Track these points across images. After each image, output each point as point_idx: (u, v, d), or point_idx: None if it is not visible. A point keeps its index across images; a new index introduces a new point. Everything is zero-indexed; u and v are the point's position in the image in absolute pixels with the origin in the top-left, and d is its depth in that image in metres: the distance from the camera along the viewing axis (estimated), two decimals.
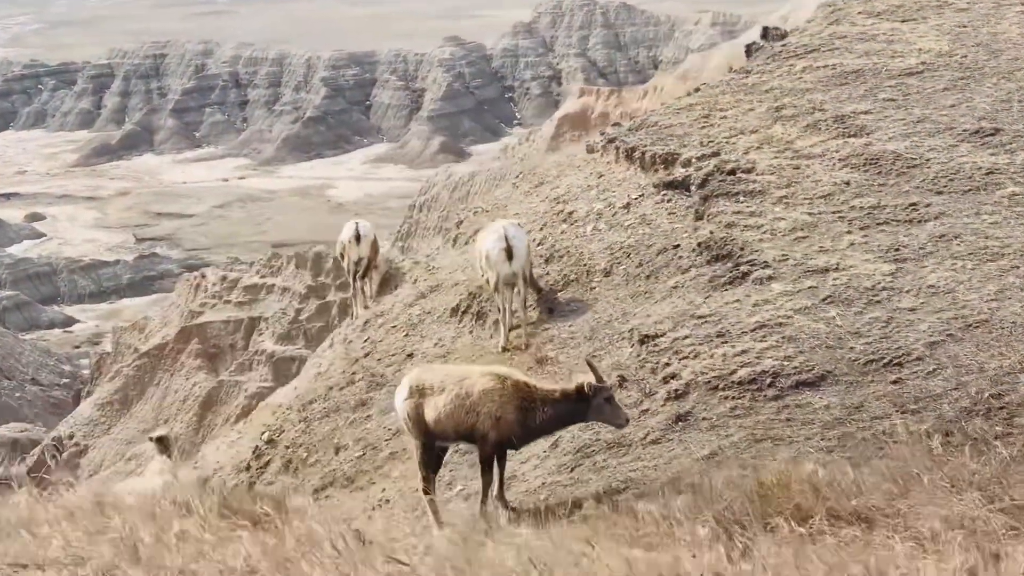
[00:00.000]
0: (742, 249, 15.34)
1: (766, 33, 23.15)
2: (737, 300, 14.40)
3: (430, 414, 11.52)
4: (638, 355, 14.17)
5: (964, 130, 17.07)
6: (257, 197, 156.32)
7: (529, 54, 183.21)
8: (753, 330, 13.62)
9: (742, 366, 13.02)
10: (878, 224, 15.31)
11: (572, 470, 12.66)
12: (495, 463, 11.59)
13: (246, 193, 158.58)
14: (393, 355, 18.37)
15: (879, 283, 13.90)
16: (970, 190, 15.60)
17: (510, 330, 16.52)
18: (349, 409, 17.77)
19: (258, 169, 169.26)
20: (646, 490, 11.22)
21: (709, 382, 13.01)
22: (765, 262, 14.88)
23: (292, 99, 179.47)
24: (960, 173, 15.96)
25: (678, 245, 16.30)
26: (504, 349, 16.41)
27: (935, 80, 18.93)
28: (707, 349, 13.55)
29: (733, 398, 12.71)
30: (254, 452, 18.96)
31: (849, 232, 15.28)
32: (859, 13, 22.63)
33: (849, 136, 17.59)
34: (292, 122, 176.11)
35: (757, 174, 17.07)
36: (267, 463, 18.52)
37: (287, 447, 18.25)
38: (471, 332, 17.81)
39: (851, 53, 20.58)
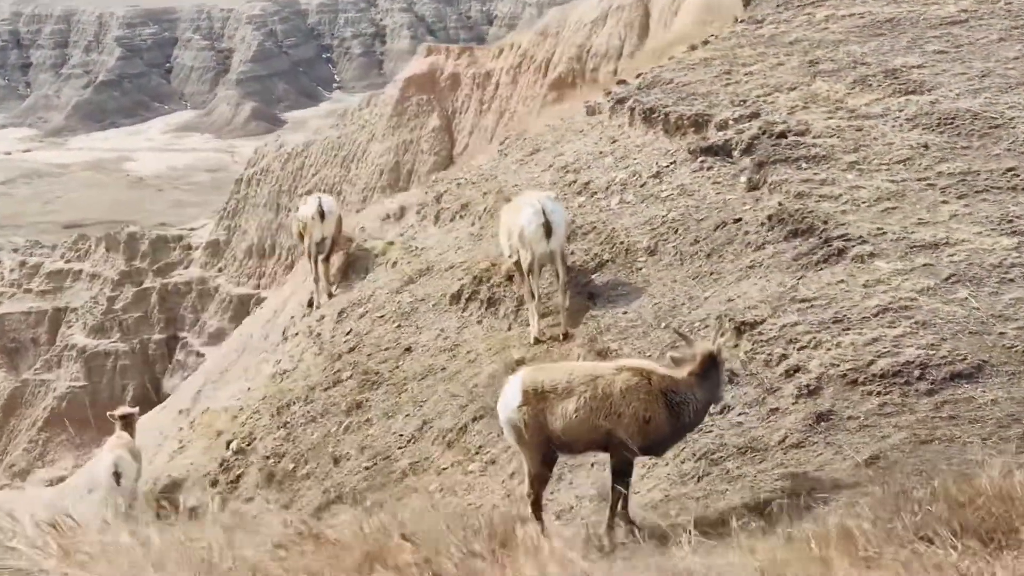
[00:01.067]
0: (825, 222, 14.67)
1: None
2: (841, 281, 13.69)
3: (556, 422, 10.61)
4: (735, 345, 13.40)
5: None
6: (45, 172, 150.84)
7: (349, 10, 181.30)
8: (876, 315, 12.93)
9: (878, 356, 12.30)
10: (976, 192, 14.82)
11: (699, 480, 11.87)
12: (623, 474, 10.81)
13: (32, 167, 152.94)
14: (386, 349, 17.43)
15: (1005, 259, 13.38)
16: None
17: (541, 317, 15.67)
18: (341, 413, 16.84)
19: (45, 140, 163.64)
20: (818, 500, 10.48)
21: (844, 376, 12.24)
22: (860, 237, 14.21)
23: (82, 61, 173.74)
24: None
25: (740, 219, 15.56)
26: (537, 340, 15.55)
27: (985, 30, 18.68)
28: (828, 338, 12.80)
29: (879, 394, 11.99)
30: (221, 464, 17.68)
31: (945, 202, 14.75)
32: None
33: (908, 93, 17.13)
34: (83, 87, 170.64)
35: (815, 137, 16.47)
36: (239, 476, 17.47)
37: (266, 458, 17.17)
38: (480, 321, 17.02)
39: (877, 0, 20.18)
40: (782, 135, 16.57)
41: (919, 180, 15.26)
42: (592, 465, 12.63)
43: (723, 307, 14.14)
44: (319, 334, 18.86)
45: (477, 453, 14.65)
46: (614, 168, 17.89)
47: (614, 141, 18.56)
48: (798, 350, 12.86)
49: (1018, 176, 14.92)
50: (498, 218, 16.78)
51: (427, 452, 15.27)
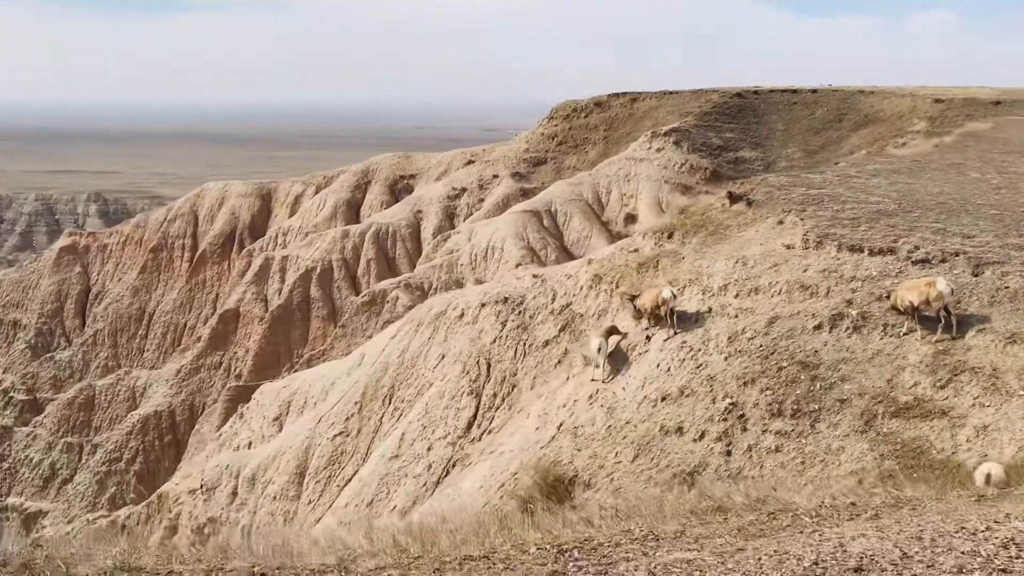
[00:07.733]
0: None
1: None
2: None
3: None
4: None
5: None
6: None
7: None
8: None
9: None
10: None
11: None
12: None
13: None
14: (798, 352, 25.62)
15: None
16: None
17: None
18: (806, 380, 24.78)
19: None
20: None
21: None
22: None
23: None
24: None
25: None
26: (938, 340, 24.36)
27: None
28: None
29: None
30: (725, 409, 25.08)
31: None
32: None
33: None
34: None
35: (952, 254, 27.81)
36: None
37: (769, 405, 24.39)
38: (860, 336, 25.45)
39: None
40: (956, 254, 27.79)
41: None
42: None
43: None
44: (701, 350, 27.50)
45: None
46: (855, 270, 28.44)
47: (837, 258, 29.28)
48: None
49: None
50: (898, 286, 26.00)
51: (912, 391, 22.56)
